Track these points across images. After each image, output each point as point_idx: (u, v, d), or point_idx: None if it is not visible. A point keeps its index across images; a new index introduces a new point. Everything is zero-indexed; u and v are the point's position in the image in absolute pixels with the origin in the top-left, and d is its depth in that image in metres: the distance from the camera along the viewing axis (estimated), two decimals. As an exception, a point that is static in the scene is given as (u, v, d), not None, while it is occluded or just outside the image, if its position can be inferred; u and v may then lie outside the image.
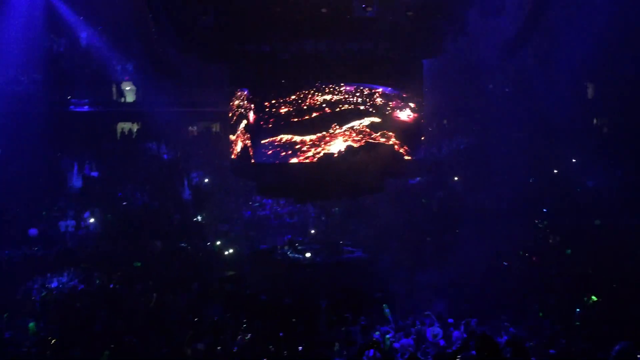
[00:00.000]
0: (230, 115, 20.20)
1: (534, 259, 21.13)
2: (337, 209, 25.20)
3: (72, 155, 30.79)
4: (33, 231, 20.20)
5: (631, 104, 32.77)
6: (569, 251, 21.99)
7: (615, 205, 27.75)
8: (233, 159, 20.26)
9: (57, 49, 31.92)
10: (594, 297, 15.82)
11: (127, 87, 34.20)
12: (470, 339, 9.03)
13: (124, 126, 34.58)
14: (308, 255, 19.78)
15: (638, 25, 29.31)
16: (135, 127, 34.59)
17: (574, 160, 32.01)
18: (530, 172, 31.27)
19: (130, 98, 34.31)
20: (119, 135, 34.25)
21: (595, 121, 36.34)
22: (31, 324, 14.54)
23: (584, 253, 21.92)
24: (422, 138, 19.54)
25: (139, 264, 21.03)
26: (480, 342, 7.24)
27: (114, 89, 34.01)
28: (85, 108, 31.92)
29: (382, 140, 18.34)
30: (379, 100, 18.27)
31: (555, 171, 31.20)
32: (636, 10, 28.56)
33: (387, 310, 15.43)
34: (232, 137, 20.22)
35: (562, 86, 31.54)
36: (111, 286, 19.06)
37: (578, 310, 15.25)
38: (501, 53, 20.43)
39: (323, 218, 23.67)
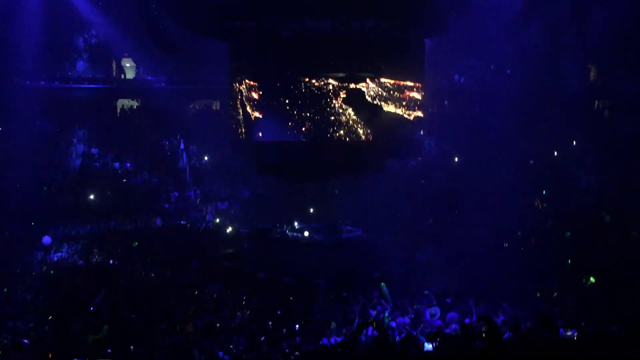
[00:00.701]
0: (230, 93, 20.10)
1: (532, 240, 21.16)
2: (337, 190, 25.26)
3: (72, 132, 30.72)
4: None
5: (632, 90, 32.71)
6: (568, 233, 22.03)
7: (614, 189, 27.82)
8: (233, 136, 20.20)
9: (56, 24, 31.64)
10: (592, 279, 15.88)
11: (127, 63, 34.03)
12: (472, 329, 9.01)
13: (124, 103, 34.45)
14: (306, 234, 19.80)
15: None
16: (135, 104, 34.47)
17: (574, 142, 31.97)
18: (530, 154, 31.27)
19: (130, 75, 34.16)
20: (118, 111, 34.14)
21: (596, 103, 36.23)
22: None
23: (584, 235, 21.99)
24: (423, 118, 19.45)
25: (136, 244, 21.06)
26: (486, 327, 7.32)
27: (114, 66, 33.85)
28: (85, 84, 31.76)
29: (383, 120, 18.26)
30: (381, 81, 18.15)
31: (555, 153, 31.17)
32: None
33: (385, 289, 15.49)
34: (233, 115, 20.15)
35: (563, 67, 31.42)
36: (110, 262, 19.12)
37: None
38: (504, 33, 20.30)
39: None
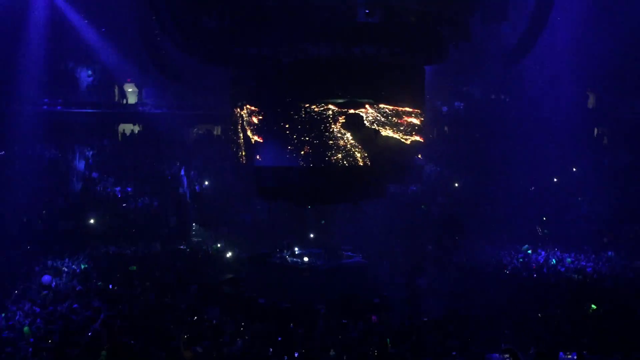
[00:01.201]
0: (231, 118, 20.21)
1: (533, 266, 21.10)
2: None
3: (73, 156, 30.81)
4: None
5: (631, 117, 32.94)
6: (569, 260, 21.97)
7: (614, 214, 27.85)
8: (233, 161, 20.26)
9: (60, 50, 31.95)
10: (593, 306, 15.79)
11: (129, 88, 34.28)
12: None
13: (126, 127, 34.62)
14: (306, 259, 19.74)
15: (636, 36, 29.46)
16: (136, 129, 34.63)
17: (574, 170, 32.06)
18: (530, 180, 31.34)
19: (132, 100, 34.40)
20: (120, 136, 34.28)
21: (595, 131, 36.40)
22: (25, 328, 14.39)
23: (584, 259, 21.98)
24: (423, 143, 19.53)
25: (134, 268, 20.96)
26: None
27: (116, 91, 34.10)
28: (87, 109, 31.96)
29: (382, 145, 18.33)
30: (380, 107, 18.26)
31: (555, 180, 31.24)
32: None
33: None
34: (233, 140, 20.23)
35: (562, 96, 31.65)
36: (110, 287, 19.01)
37: None
38: (503, 61, 20.51)
39: (323, 222, 23.65)
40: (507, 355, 7.25)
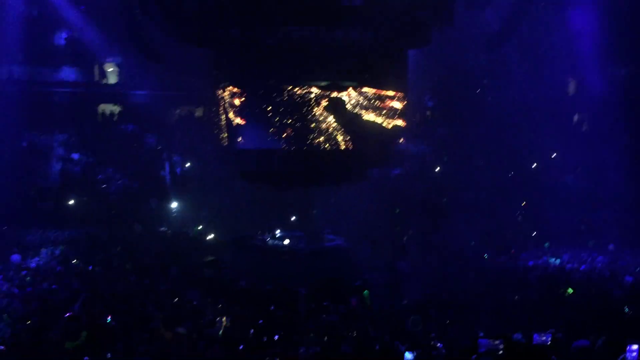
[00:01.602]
0: (213, 99, 20.07)
1: (512, 251, 21.36)
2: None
3: (52, 136, 30.43)
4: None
5: (611, 102, 33.20)
6: (547, 244, 22.27)
7: (593, 200, 28.23)
8: (215, 144, 20.16)
9: (38, 29, 31.39)
10: (570, 290, 16.05)
11: (110, 68, 33.81)
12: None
13: (106, 108, 34.21)
14: (287, 242, 19.78)
15: (619, 24, 29.65)
16: (117, 109, 34.24)
17: (554, 155, 32.36)
18: (510, 165, 31.62)
19: (112, 80, 33.94)
20: (100, 117, 33.88)
21: (575, 117, 36.71)
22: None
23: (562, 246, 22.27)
24: (405, 127, 19.56)
25: (119, 249, 20.85)
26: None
27: (96, 70, 33.62)
28: (67, 89, 31.49)
29: (364, 128, 18.33)
30: (364, 91, 18.24)
31: (534, 165, 31.54)
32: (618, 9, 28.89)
33: (367, 296, 15.60)
34: (215, 122, 20.12)
35: (543, 82, 31.85)
36: (90, 268, 18.90)
37: None
38: (486, 47, 20.54)
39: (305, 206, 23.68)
40: (497, 342, 7.33)
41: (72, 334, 12.31)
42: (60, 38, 31.62)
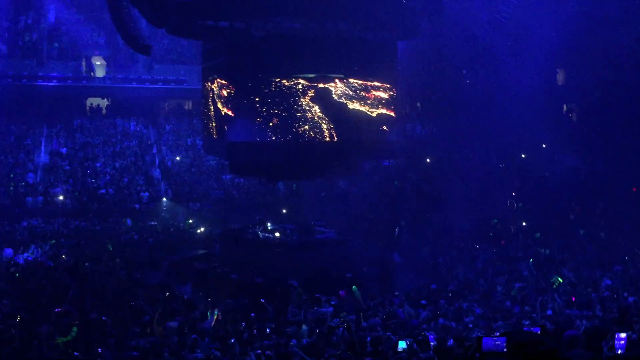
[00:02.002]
0: (202, 92, 19.97)
1: (502, 242, 21.45)
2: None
3: (40, 131, 30.24)
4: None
5: (600, 92, 33.36)
6: (537, 235, 22.37)
7: (582, 190, 28.40)
8: (206, 136, 20.07)
9: (24, 21, 31.11)
10: (559, 279, 16.13)
11: (97, 61, 33.59)
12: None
13: (94, 101, 34.01)
14: (277, 235, 19.73)
15: (606, 14, 29.76)
16: (105, 103, 34.05)
17: (543, 146, 32.51)
18: (500, 156, 31.75)
19: (100, 73, 33.73)
20: (88, 110, 33.68)
21: (564, 108, 36.91)
22: None
23: (552, 236, 22.39)
24: (396, 120, 19.55)
25: (110, 247, 20.73)
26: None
27: (83, 64, 33.38)
28: (54, 82, 31.26)
29: (356, 121, 18.31)
30: (355, 84, 18.20)
31: (523, 156, 31.69)
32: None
33: (357, 292, 15.60)
34: (204, 114, 20.02)
35: (532, 72, 31.94)
36: (79, 263, 18.79)
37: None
38: (473, 37, 20.54)
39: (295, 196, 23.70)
40: (498, 342, 7.32)
41: (63, 329, 12.25)
42: (47, 30, 31.37)
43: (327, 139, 17.79)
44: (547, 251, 20.37)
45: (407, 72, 25.59)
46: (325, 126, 17.78)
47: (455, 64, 34.14)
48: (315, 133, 17.76)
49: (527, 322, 12.47)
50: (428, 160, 31.21)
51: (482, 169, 29.10)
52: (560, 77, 36.74)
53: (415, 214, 25.34)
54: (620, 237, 21.92)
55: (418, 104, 35.78)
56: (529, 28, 30.26)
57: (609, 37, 30.87)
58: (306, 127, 17.66)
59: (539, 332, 8.87)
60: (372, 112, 18.53)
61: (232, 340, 11.57)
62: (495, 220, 24.16)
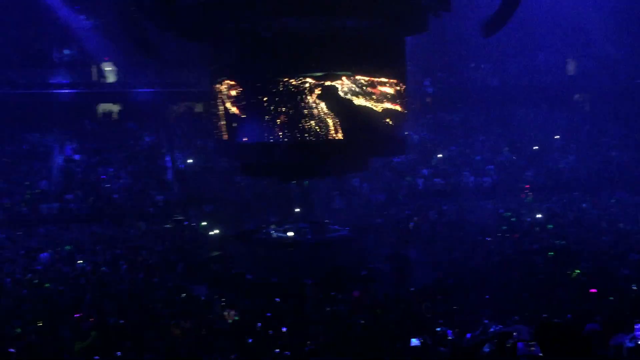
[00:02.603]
0: (212, 94, 20.03)
1: (515, 235, 21.32)
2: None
3: (53, 138, 30.48)
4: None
5: (611, 82, 33.15)
6: (550, 226, 22.23)
7: (595, 181, 28.22)
8: (216, 138, 20.14)
9: (34, 29, 31.35)
10: (577, 270, 16.02)
11: (108, 67, 33.82)
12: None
13: (105, 107, 34.23)
14: (290, 234, 19.77)
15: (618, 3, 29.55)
16: (116, 108, 34.26)
17: (556, 137, 32.31)
18: (512, 148, 31.60)
19: (110, 79, 33.97)
20: (100, 116, 33.91)
21: (576, 97, 36.66)
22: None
23: (567, 227, 22.23)
24: (405, 115, 19.50)
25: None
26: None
27: (94, 70, 33.63)
28: (65, 90, 31.52)
29: (366, 118, 18.27)
30: (362, 80, 18.16)
31: (535, 147, 31.51)
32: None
33: None
34: (214, 117, 20.09)
35: (542, 63, 31.78)
36: (96, 267, 18.94)
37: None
38: (482, 31, 20.38)
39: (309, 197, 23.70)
40: (531, 347, 7.29)
41: (82, 333, 12.37)
42: (57, 38, 31.62)
43: (334, 134, 17.75)
44: (563, 242, 20.21)
45: (416, 67, 25.58)
46: (331, 122, 17.76)
47: (464, 57, 34.05)
48: (321, 128, 17.73)
49: (545, 316, 12.39)
50: (440, 155, 31.11)
51: (494, 162, 29.00)
52: (570, 66, 36.50)
53: (428, 208, 25.32)
54: (636, 226, 21.76)
55: (428, 99, 35.68)
56: (538, 18, 30.11)
57: (618, 26, 30.68)
58: (312, 123, 17.65)
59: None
60: (376, 107, 18.49)
61: (250, 340, 11.63)
62: (509, 214, 24.02)
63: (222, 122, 19.26)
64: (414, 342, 9.39)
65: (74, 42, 31.38)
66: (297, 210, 23.26)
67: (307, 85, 17.63)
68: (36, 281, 17.32)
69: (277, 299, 15.24)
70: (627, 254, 17.82)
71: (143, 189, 28.00)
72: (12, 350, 11.25)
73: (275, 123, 17.63)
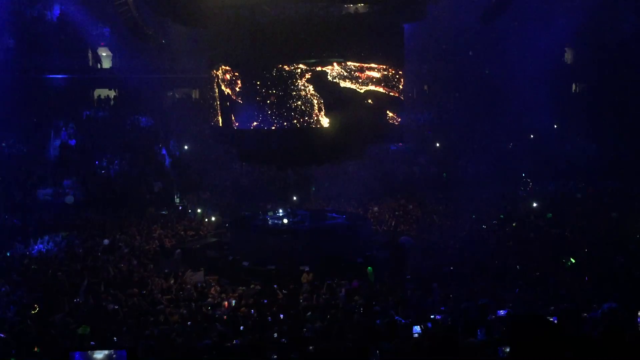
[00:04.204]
0: (209, 81, 19.93)
1: (514, 224, 21.35)
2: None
3: (49, 123, 30.31)
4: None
5: (610, 70, 33.03)
6: (549, 215, 22.26)
7: (594, 170, 28.22)
8: (213, 125, 20.06)
9: (30, 14, 31.11)
10: (572, 259, 16.06)
11: (104, 53, 33.61)
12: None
13: (101, 93, 34.06)
14: (285, 221, 19.76)
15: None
16: (112, 94, 34.10)
17: (555, 127, 32.29)
18: (510, 137, 31.59)
19: (106, 64, 33.77)
20: (95, 102, 33.75)
21: (574, 87, 36.60)
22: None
23: (564, 216, 22.26)
24: (403, 103, 19.45)
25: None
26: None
27: (89, 55, 33.42)
28: (61, 75, 31.31)
29: (364, 106, 18.22)
30: (360, 67, 18.09)
31: (532, 136, 31.52)
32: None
33: (371, 273, 15.67)
34: (210, 103, 20.00)
35: (541, 52, 31.66)
36: (92, 254, 18.90)
37: None
38: (481, 19, 20.30)
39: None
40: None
41: (78, 319, 12.36)
42: (53, 23, 31.37)
43: (328, 121, 17.73)
44: (559, 231, 20.25)
45: (413, 55, 25.46)
46: (315, 102, 17.78)
47: (462, 45, 33.91)
48: (328, 123, 17.75)
49: (540, 304, 12.43)
50: (437, 144, 31.08)
51: (492, 151, 28.96)
52: (568, 56, 36.39)
53: (425, 197, 25.32)
54: (633, 216, 21.78)
55: (425, 87, 35.59)
56: (536, 7, 29.98)
57: (617, 15, 30.55)
58: (299, 102, 17.69)
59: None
60: (384, 99, 18.46)
61: (242, 328, 11.64)
62: (506, 204, 24.05)
63: (218, 109, 19.19)
64: (416, 329, 9.39)
65: (70, 27, 31.13)
66: (295, 197, 23.24)
67: (299, 70, 17.63)
68: (34, 267, 17.28)
69: (274, 286, 15.27)
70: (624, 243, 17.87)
71: (139, 175, 27.93)
72: (1, 335, 11.20)
73: (271, 110, 17.62)
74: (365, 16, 18.43)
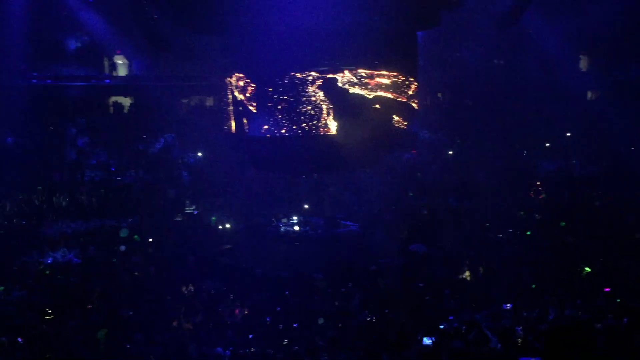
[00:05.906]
0: (223, 88, 20.05)
1: (527, 232, 21.23)
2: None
3: (65, 130, 30.56)
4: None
5: (624, 79, 32.79)
6: (563, 223, 22.10)
7: (608, 179, 27.97)
8: (227, 132, 20.17)
9: (47, 22, 31.42)
10: (587, 268, 15.94)
11: (119, 60, 33.86)
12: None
13: (117, 100, 34.30)
14: (297, 228, 19.82)
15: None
16: (128, 102, 34.31)
17: (568, 135, 32.05)
18: (523, 145, 31.39)
19: (122, 72, 34.01)
20: (111, 109, 33.97)
21: (589, 95, 36.29)
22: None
23: (579, 225, 22.08)
24: (416, 110, 19.43)
25: (137, 238, 20.96)
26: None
27: (105, 63, 33.68)
28: (77, 82, 31.57)
29: (377, 114, 18.24)
30: (370, 74, 18.13)
31: (547, 145, 31.30)
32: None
33: None
34: (224, 110, 20.12)
35: (555, 58, 31.46)
36: (106, 260, 19.05)
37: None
38: (496, 26, 20.26)
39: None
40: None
41: (91, 325, 12.45)
42: (69, 32, 31.65)
43: (342, 129, 17.77)
44: (573, 239, 20.10)
45: (427, 63, 25.46)
46: (325, 106, 17.85)
47: (475, 54, 33.77)
48: (341, 130, 17.80)
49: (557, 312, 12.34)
50: (450, 152, 30.95)
51: (506, 159, 28.78)
52: (583, 63, 36.11)
53: (437, 205, 25.23)
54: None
55: (439, 95, 35.46)
56: (549, 14, 29.81)
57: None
58: (308, 107, 17.77)
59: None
60: (398, 107, 18.47)
61: (253, 336, 11.67)
62: (521, 212, 23.91)
63: (231, 116, 19.31)
64: (426, 341, 9.36)
65: (86, 34, 31.38)
66: (307, 205, 23.27)
67: (311, 77, 17.73)
68: (47, 272, 17.43)
69: (287, 293, 15.29)
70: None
71: (153, 182, 28.08)
72: (19, 340, 11.31)
73: (287, 117, 17.70)
74: (379, 24, 18.46)
